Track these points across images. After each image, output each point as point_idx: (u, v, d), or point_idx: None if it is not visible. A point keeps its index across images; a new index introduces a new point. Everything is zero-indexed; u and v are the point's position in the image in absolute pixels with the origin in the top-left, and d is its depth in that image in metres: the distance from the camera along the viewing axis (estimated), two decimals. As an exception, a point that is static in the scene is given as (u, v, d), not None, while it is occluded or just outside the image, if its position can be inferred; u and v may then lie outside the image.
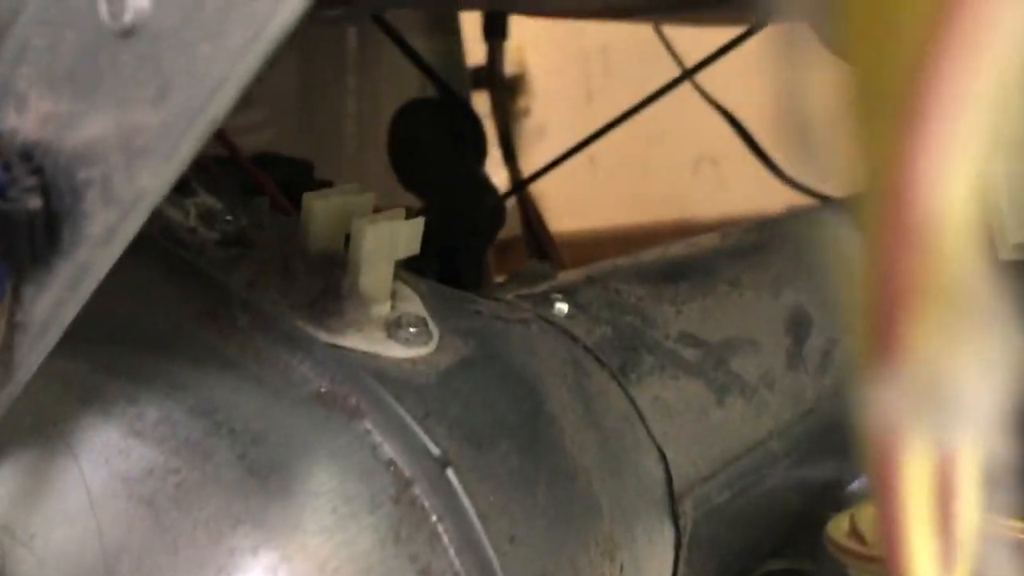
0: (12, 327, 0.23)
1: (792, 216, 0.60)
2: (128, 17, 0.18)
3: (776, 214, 0.61)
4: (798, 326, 0.48)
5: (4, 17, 0.20)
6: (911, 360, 0.15)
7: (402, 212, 0.34)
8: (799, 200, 0.76)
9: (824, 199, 0.71)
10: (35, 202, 0.20)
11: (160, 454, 0.29)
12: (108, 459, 0.29)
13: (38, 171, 0.20)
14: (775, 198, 0.77)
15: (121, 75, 0.19)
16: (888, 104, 0.15)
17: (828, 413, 0.48)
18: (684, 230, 0.57)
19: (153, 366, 0.31)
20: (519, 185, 0.83)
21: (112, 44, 0.19)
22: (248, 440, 0.29)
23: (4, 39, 0.20)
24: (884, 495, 0.16)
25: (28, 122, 0.20)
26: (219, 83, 0.18)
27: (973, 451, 0.16)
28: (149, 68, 0.18)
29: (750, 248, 0.53)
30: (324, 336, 0.31)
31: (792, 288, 0.49)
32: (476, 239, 0.69)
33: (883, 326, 0.15)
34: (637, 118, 0.74)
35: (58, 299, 0.22)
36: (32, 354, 0.24)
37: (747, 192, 0.84)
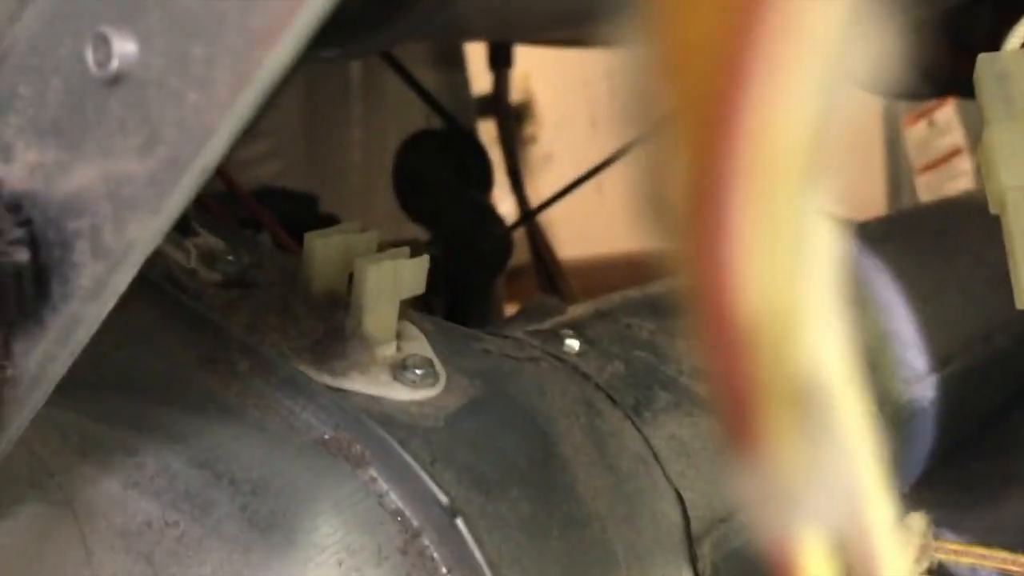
0: (2, 382, 0.22)
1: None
2: (114, 65, 0.17)
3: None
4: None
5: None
6: (766, 455, 0.14)
7: (406, 251, 0.33)
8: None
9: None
10: (23, 255, 0.20)
11: (159, 507, 0.28)
12: (106, 512, 0.28)
13: (26, 223, 0.20)
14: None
15: (108, 124, 0.18)
16: (685, 202, 0.13)
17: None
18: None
19: (152, 415, 0.30)
20: (527, 215, 0.82)
21: (99, 92, 0.18)
22: (249, 491, 0.28)
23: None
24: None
25: (15, 172, 0.20)
26: (208, 132, 0.17)
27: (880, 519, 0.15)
28: (136, 117, 0.18)
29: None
30: (327, 380, 0.30)
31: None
32: (484, 269, 0.68)
33: (733, 421, 0.14)
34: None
35: (49, 353, 0.21)
36: (24, 409, 0.23)
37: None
